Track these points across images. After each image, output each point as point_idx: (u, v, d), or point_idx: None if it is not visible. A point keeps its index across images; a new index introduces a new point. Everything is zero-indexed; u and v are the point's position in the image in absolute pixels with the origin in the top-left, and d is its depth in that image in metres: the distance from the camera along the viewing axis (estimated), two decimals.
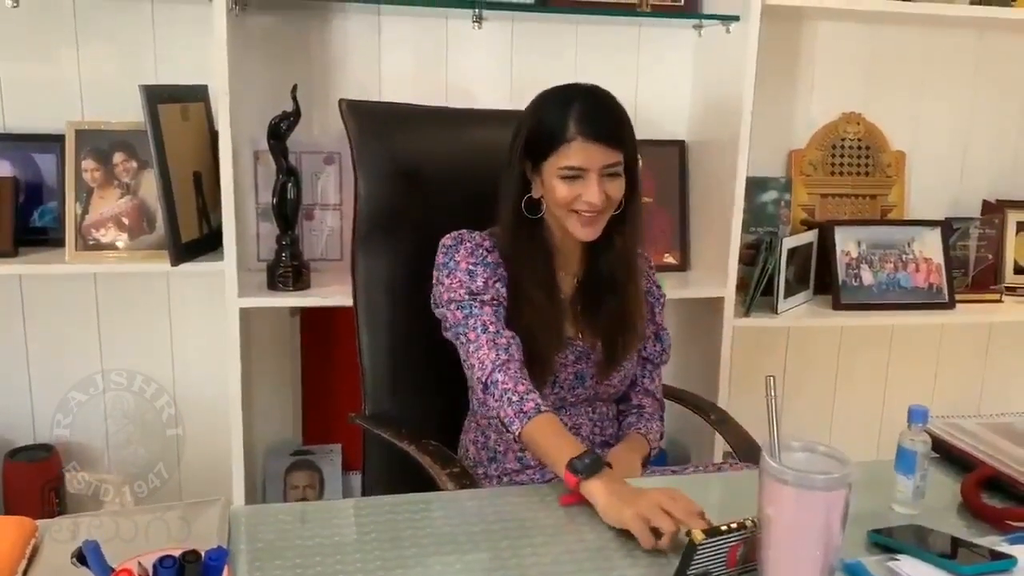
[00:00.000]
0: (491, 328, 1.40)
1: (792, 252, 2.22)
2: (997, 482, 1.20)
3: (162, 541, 0.97)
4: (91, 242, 1.96)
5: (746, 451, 1.54)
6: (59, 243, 1.97)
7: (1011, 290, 2.45)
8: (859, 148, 2.48)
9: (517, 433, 1.31)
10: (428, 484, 1.37)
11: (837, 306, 2.29)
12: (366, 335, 1.63)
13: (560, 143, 1.40)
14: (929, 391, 2.65)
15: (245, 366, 1.99)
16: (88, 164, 1.96)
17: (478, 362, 1.37)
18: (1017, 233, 2.49)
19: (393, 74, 2.17)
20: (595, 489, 1.13)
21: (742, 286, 2.19)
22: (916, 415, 1.16)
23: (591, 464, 1.16)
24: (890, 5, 2.19)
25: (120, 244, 1.97)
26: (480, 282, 1.44)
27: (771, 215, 2.40)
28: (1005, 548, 1.03)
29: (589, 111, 1.41)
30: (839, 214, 2.47)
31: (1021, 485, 1.17)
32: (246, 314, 1.99)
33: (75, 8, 2.02)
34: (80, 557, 0.83)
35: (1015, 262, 2.49)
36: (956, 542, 1.05)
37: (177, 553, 0.83)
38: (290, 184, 1.99)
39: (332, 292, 1.99)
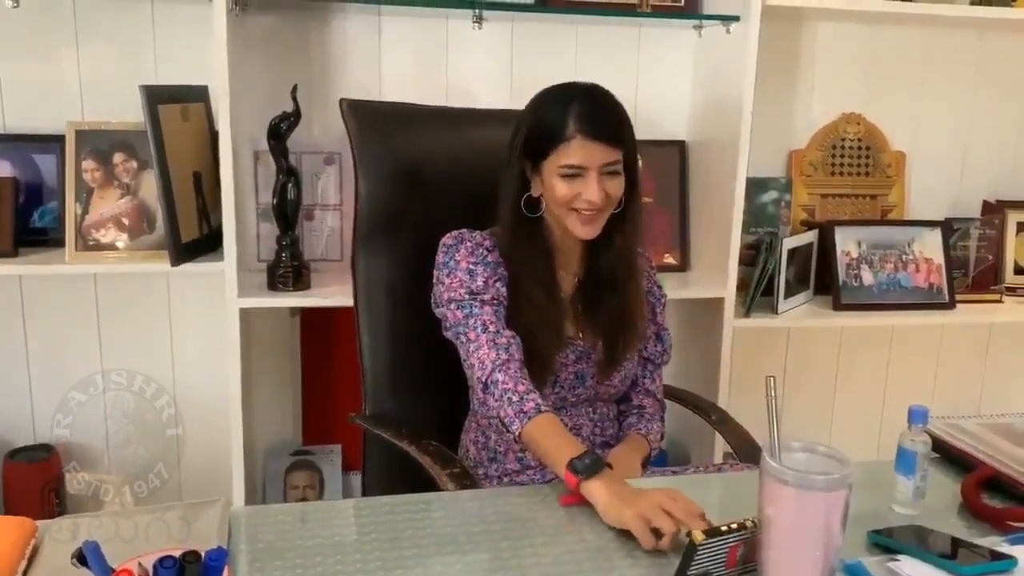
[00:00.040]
0: (491, 328, 1.40)
1: (792, 252, 2.22)
2: (997, 482, 1.20)
3: (162, 541, 0.97)
4: (91, 242, 1.96)
5: (746, 451, 1.54)
6: (59, 243, 1.97)
7: (1011, 290, 2.45)
8: (859, 148, 2.48)
9: (517, 433, 1.30)
10: (428, 484, 1.37)
11: (837, 306, 2.29)
12: (366, 335, 1.63)
13: (560, 141, 1.40)
14: (929, 391, 2.64)
15: (245, 366, 1.99)
16: (88, 164, 1.96)
17: (478, 362, 1.37)
18: (1017, 233, 2.49)
19: (393, 74, 2.17)
20: (595, 489, 1.13)
21: (742, 286, 2.19)
22: (916, 415, 1.16)
23: (591, 464, 1.16)
24: (890, 5, 2.19)
25: (120, 244, 1.97)
26: (480, 281, 1.44)
27: (771, 215, 2.39)
28: (1005, 548, 1.03)
29: (588, 109, 1.40)
30: (839, 214, 2.47)
31: (1021, 485, 1.17)
32: (246, 314, 1.99)
33: (75, 8, 2.02)
34: (80, 557, 0.83)
35: (1015, 262, 2.49)
36: (956, 542, 1.05)
37: (177, 553, 0.83)
38: (290, 184, 1.99)
39: (332, 292, 1.99)
